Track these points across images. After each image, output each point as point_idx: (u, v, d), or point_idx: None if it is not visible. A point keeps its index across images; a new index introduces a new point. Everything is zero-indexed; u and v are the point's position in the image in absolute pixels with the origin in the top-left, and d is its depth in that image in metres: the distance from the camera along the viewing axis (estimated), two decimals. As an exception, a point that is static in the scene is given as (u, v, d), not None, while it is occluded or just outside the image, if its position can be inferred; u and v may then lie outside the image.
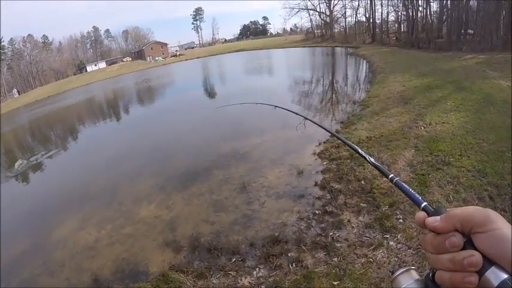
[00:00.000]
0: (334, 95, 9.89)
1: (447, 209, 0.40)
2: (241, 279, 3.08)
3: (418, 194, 0.48)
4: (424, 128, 5.31)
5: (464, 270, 0.36)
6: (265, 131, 7.77)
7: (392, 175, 0.57)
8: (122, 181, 6.87)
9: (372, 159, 0.68)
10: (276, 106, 1.49)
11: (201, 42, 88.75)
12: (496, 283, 0.34)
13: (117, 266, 3.89)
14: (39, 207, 6.65)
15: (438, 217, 0.40)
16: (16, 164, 9.87)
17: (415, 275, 0.45)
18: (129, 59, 65.25)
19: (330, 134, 6.14)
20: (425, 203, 0.44)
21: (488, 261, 0.35)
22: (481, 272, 0.35)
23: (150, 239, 4.33)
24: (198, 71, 32.76)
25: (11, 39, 59.77)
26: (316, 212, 3.75)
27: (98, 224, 5.07)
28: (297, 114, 1.56)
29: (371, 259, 2.80)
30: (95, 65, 62.35)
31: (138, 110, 17.16)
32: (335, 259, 2.96)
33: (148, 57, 61.74)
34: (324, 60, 16.70)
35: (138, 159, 7.91)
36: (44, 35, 66.14)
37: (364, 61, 13.65)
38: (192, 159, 7.01)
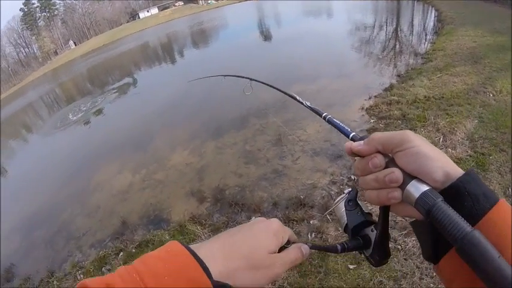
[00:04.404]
0: (396, 44, 8.66)
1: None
2: (256, 240, 2.96)
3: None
4: (493, 95, 4.19)
5: (387, 186, 0.40)
6: (314, 79, 7.11)
7: (325, 113, 0.60)
8: (164, 126, 7.19)
9: (308, 103, 0.70)
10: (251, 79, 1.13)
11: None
12: (417, 195, 0.37)
13: (144, 212, 4.13)
14: (89, 151, 7.38)
15: (362, 141, 0.44)
16: (70, 115, 10.99)
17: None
18: (181, 3, 65.25)
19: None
20: (353, 133, 0.49)
21: (410, 177, 0.39)
22: (403, 187, 0.39)
23: (178, 186, 4.46)
24: (252, 13, 31.23)
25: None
26: (352, 177, 3.31)
27: (134, 169, 5.40)
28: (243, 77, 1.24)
29: (400, 246, 2.38)
30: (147, 11, 63.96)
31: (193, 53, 17.33)
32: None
33: (200, 1, 60.92)
34: (388, 5, 14.36)
35: (186, 105, 8.09)
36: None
37: (433, 9, 11.40)
38: (231, 105, 6.86)
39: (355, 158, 0.46)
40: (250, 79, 1.11)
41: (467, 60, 5.70)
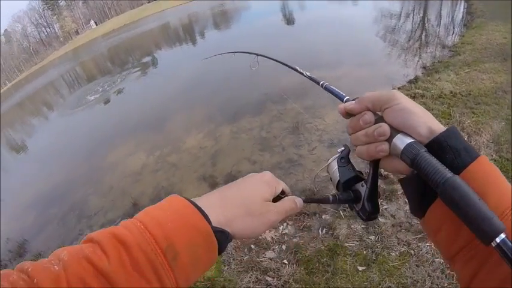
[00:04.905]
0: (423, 35, 8.16)
1: None
2: (264, 232, 2.88)
3: None
4: (524, 97, 3.88)
5: (376, 140, 0.43)
6: (335, 65, 6.82)
7: (322, 81, 0.64)
8: (181, 107, 7.18)
9: (308, 73, 0.74)
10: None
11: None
12: (402, 146, 0.40)
13: (155, 194, 4.13)
14: (107, 130, 7.49)
15: (353, 101, 0.48)
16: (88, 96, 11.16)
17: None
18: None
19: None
20: (347, 97, 0.53)
21: (396, 131, 0.42)
22: (390, 140, 0.42)
23: (191, 170, 4.42)
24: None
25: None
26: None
27: (149, 150, 5.41)
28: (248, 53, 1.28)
29: (412, 251, 2.22)
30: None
31: (214, 35, 17.13)
32: (372, 237, 2.46)
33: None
34: None
35: (204, 86, 8.01)
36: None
37: (463, 1, 10.63)
38: (249, 88, 6.72)
39: (349, 118, 0.49)
40: (257, 54, 1.16)
41: (497, 56, 5.28)
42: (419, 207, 0.43)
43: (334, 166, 0.56)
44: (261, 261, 2.65)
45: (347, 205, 0.56)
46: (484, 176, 0.37)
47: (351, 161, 0.55)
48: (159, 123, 6.55)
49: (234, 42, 12.67)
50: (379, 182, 2.92)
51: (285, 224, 2.90)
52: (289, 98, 5.80)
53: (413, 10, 11.15)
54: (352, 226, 2.64)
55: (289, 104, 5.57)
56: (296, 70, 0.81)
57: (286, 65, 0.89)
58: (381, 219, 2.61)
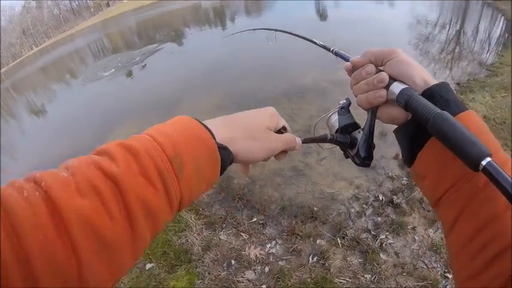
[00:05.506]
0: (457, 47, 7.51)
1: None
2: (249, 247, 2.59)
3: None
4: None
5: (375, 87, 0.47)
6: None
7: (333, 48, 0.69)
8: (196, 90, 6.99)
9: (321, 42, 0.78)
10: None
11: None
12: (398, 91, 0.45)
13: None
14: (122, 105, 7.43)
15: (359, 56, 0.52)
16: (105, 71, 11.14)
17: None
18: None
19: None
20: (351, 57, 0.55)
21: (394, 80, 0.46)
22: (387, 88, 0.46)
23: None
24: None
25: None
26: (380, 197, 2.74)
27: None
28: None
29: None
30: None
31: (244, 21, 16.79)
32: (368, 276, 2.11)
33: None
34: (456, 4, 12.62)
35: (224, 73, 7.77)
36: None
37: (502, 17, 9.72)
38: (269, 82, 6.40)
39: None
40: (275, 30, 1.16)
41: (539, 83, 4.68)
42: (410, 155, 0.46)
43: (335, 117, 0.58)
44: (238, 281, 2.37)
45: (342, 153, 0.59)
46: (472, 123, 0.39)
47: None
48: (171, 104, 6.37)
49: (262, 31, 12.28)
50: (389, 210, 2.51)
51: (273, 242, 2.60)
52: (305, 97, 5.44)
53: (451, 21, 10.41)
54: (348, 258, 2.30)
55: (305, 104, 5.21)
56: (310, 40, 0.84)
57: (301, 37, 0.91)
58: (382, 256, 2.26)
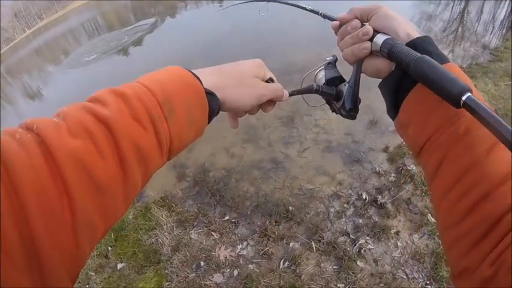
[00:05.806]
0: (460, 27, 7.12)
1: None
2: (220, 248, 2.41)
3: None
4: None
5: (360, 40, 0.48)
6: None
7: (321, 11, 0.68)
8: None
9: (310, 7, 0.73)
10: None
11: None
12: (381, 41, 0.45)
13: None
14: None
15: (345, 12, 0.52)
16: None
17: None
18: None
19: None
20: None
21: (377, 32, 0.47)
22: (371, 40, 0.47)
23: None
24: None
25: None
26: (363, 195, 2.51)
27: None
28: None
29: None
30: None
31: None
32: (341, 285, 1.93)
33: None
34: None
35: (213, 52, 7.33)
36: None
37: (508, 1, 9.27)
38: (267, 59, 6.05)
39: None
40: (267, 1, 1.10)
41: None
42: (394, 107, 0.46)
43: (321, 73, 0.59)
44: (206, 284, 2.21)
45: (328, 106, 0.59)
46: (452, 70, 0.39)
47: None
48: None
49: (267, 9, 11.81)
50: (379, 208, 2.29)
51: (245, 243, 2.42)
52: (293, 79, 5.14)
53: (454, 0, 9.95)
54: (322, 265, 2.11)
55: (292, 87, 4.92)
56: (298, 6, 0.82)
57: (289, 4, 0.90)
58: (359, 263, 2.07)
